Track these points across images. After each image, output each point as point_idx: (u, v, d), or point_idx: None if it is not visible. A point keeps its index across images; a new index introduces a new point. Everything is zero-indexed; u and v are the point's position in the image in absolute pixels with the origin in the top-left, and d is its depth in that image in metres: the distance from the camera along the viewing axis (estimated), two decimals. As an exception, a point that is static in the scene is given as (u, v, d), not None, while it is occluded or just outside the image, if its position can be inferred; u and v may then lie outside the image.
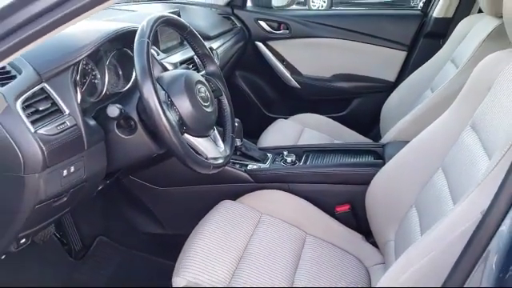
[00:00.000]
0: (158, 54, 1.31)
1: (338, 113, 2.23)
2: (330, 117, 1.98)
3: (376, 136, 1.96)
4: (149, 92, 0.87)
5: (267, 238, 1.14)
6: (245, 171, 1.35)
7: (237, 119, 1.29)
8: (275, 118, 1.93)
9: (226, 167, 1.31)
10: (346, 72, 2.23)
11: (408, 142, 1.13)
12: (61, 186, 0.87)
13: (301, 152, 1.45)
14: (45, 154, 0.81)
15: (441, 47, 1.78)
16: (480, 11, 1.67)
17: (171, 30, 1.25)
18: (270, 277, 1.03)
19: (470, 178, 0.84)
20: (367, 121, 2.12)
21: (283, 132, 1.76)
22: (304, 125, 1.84)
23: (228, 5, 2.20)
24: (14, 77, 0.85)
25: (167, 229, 1.46)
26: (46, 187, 0.83)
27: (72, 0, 0.68)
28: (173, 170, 1.34)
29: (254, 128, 1.70)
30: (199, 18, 1.88)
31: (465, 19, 1.70)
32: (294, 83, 2.27)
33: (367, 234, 1.24)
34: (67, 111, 0.89)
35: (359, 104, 2.25)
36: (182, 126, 0.98)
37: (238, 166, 1.37)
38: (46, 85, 0.88)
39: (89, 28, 1.06)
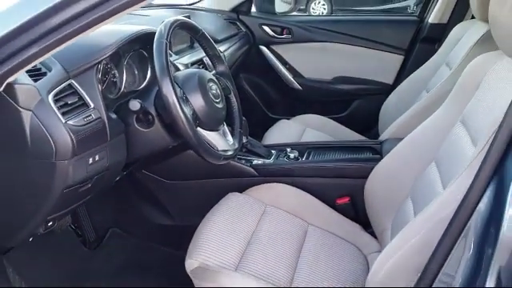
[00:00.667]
0: (171, 56, 1.39)
1: (338, 114, 2.29)
2: (330, 117, 2.04)
3: (375, 136, 1.99)
4: (167, 88, 0.96)
5: (272, 227, 1.20)
6: (250, 166, 1.41)
7: (243, 118, 1.36)
8: (278, 119, 1.98)
9: (233, 162, 1.38)
10: (346, 75, 2.29)
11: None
12: (86, 173, 0.95)
13: (303, 149, 1.51)
14: (74, 143, 0.88)
15: (436, 51, 1.83)
16: (473, 17, 1.70)
17: (183, 33, 1.34)
18: (276, 262, 1.09)
19: (459, 167, 0.91)
20: (366, 121, 2.17)
21: (286, 132, 1.82)
22: (306, 125, 1.89)
23: (234, 11, 2.27)
24: (44, 74, 0.93)
25: (176, 220, 1.52)
26: (73, 173, 0.90)
27: (101, 6, 0.77)
28: (182, 164, 1.41)
29: (257, 128, 1.76)
30: (207, 23, 1.95)
31: (458, 25, 1.75)
32: (296, 85, 2.33)
33: (366, 224, 1.30)
34: (92, 105, 0.97)
35: (359, 105, 2.31)
36: (196, 119, 1.06)
37: (243, 161, 1.43)
38: (73, 81, 0.96)
39: (110, 30, 1.14)
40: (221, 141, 1.15)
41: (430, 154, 1.09)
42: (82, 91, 0.96)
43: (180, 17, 1.14)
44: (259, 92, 2.41)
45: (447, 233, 0.70)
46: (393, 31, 2.24)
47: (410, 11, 4.65)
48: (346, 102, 2.35)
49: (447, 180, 0.96)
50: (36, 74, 0.92)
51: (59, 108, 0.90)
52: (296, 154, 1.46)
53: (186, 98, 1.05)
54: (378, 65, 2.25)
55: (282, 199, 1.32)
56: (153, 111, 1.07)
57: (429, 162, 1.09)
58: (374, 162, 1.26)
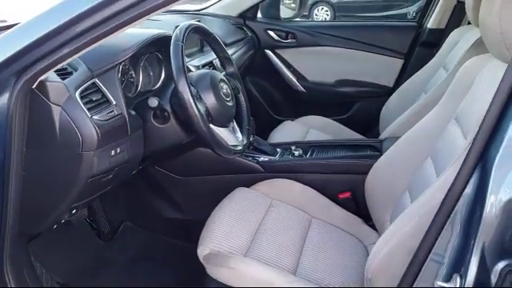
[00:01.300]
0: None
1: (340, 115, 2.35)
2: (333, 119, 2.10)
3: (375, 136, 2.01)
4: (183, 86, 1.04)
5: (278, 219, 1.27)
6: (257, 163, 1.48)
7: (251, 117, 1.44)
8: (282, 120, 2.05)
9: (240, 159, 1.45)
10: (348, 78, 2.37)
11: (402, 137, 1.24)
12: (109, 164, 1.02)
13: (307, 147, 1.58)
14: (99, 136, 0.96)
15: (434, 55, 1.89)
16: (469, 23, 1.75)
17: (193, 38, 1.41)
18: (282, 249, 1.15)
19: (452, 160, 0.98)
20: (367, 122, 2.22)
21: (290, 132, 1.88)
22: (309, 126, 1.96)
23: (240, 16, 2.34)
24: (70, 73, 1.00)
25: (186, 214, 1.59)
26: (98, 163, 0.98)
27: (124, 12, 0.86)
28: (193, 161, 1.49)
29: (262, 129, 1.81)
30: (215, 28, 2.02)
31: (455, 30, 1.82)
32: (300, 88, 2.40)
33: (366, 217, 1.36)
34: (114, 102, 1.04)
35: (360, 107, 2.38)
36: (208, 116, 1.14)
37: (250, 158, 1.49)
38: (96, 80, 1.03)
39: (129, 34, 1.20)
40: (230, 136, 1.23)
41: (426, 150, 1.14)
42: (105, 89, 1.04)
43: (193, 21, 1.23)
44: (264, 94, 2.47)
45: (437, 216, 0.77)
46: (393, 36, 2.32)
47: (409, 17, 4.75)
48: (348, 104, 2.41)
49: (441, 173, 1.03)
50: (63, 73, 0.99)
51: (85, 104, 0.97)
52: (300, 151, 1.53)
53: (200, 96, 1.14)
54: (378, 68, 2.31)
55: (287, 194, 1.38)
56: (168, 108, 1.15)
57: (425, 158, 1.14)
58: (374, 159, 1.31)
